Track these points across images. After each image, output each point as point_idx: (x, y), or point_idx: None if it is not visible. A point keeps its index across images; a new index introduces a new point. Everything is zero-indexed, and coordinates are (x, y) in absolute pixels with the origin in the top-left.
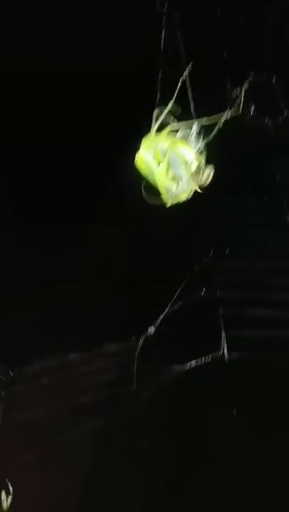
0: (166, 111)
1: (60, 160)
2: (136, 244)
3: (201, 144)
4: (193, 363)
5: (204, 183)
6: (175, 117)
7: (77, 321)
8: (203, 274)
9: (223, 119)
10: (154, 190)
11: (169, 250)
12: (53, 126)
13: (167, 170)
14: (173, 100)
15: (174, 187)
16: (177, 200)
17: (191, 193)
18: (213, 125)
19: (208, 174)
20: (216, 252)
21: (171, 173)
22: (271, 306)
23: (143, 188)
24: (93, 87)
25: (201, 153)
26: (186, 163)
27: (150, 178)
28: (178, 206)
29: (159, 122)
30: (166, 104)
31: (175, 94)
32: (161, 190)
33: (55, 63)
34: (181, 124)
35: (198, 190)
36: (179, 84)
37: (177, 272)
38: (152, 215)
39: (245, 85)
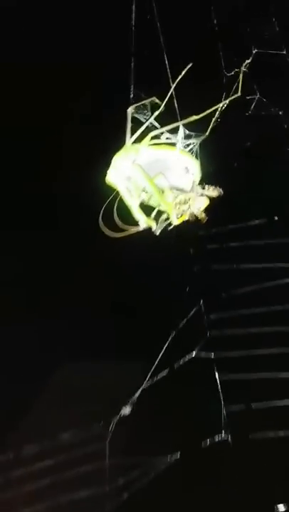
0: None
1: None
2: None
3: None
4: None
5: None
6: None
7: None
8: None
9: (218, 112)
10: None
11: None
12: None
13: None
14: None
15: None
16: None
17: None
18: (208, 121)
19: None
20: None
21: (150, 193)
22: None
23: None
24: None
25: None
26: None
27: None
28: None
29: (138, 133)
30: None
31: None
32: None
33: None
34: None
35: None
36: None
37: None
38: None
39: (247, 62)
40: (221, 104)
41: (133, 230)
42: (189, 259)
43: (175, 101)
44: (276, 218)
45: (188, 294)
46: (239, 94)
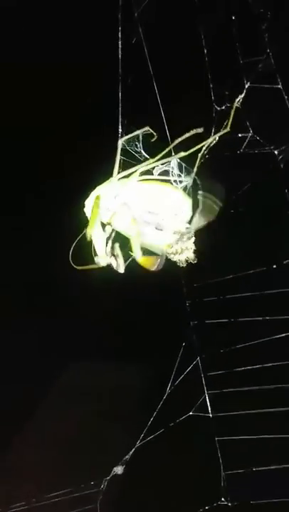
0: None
1: None
2: None
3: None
4: None
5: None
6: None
7: None
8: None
9: (205, 148)
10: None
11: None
12: None
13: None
14: None
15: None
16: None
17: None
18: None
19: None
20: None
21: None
22: None
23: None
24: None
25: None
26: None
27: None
28: None
29: (130, 171)
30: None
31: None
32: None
33: None
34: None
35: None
36: None
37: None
38: None
39: (240, 98)
40: (209, 140)
41: (92, 266)
42: (185, 312)
43: (168, 134)
44: (274, 266)
45: (185, 350)
46: (228, 129)
